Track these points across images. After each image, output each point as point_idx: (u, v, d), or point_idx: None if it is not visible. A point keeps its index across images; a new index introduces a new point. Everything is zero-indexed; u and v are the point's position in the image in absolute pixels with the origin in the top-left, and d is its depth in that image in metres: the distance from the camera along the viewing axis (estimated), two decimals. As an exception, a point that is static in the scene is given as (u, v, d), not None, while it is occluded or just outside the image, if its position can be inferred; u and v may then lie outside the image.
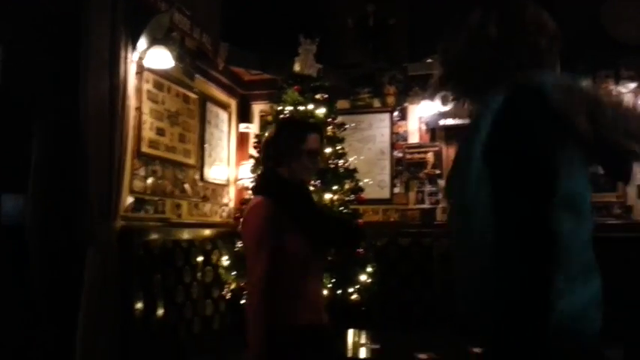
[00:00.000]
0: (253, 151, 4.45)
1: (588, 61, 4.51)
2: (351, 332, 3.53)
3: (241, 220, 2.09)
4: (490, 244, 1.22)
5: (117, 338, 3.09)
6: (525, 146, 1.20)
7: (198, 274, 3.96)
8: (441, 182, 4.97)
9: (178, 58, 4.03)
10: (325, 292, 3.77)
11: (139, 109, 3.68)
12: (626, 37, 4.50)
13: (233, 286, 3.93)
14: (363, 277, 4.00)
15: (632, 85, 4.60)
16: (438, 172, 4.99)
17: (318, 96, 4.33)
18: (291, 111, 4.23)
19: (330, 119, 4.33)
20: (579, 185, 1.27)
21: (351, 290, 3.91)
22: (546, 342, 1.15)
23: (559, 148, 1.21)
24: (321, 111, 4.28)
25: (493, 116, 1.23)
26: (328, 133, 4.24)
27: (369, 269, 4.06)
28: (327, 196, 4.04)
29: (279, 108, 4.28)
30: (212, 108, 4.88)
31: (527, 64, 1.34)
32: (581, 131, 1.20)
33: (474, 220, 1.26)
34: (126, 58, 3.32)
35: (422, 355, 2.83)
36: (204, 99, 4.71)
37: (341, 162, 4.25)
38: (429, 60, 5.03)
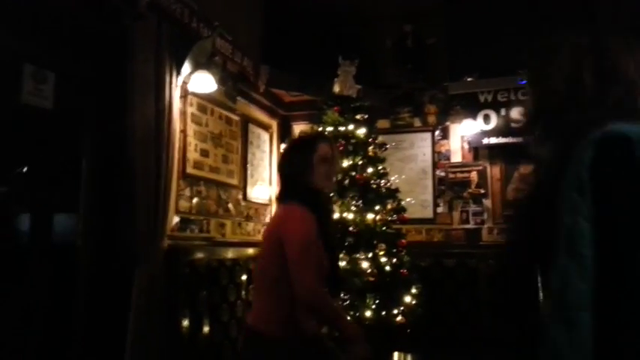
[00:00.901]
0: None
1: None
2: (396, 355, 3.44)
3: (276, 225, 2.05)
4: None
5: (164, 356, 3.11)
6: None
7: (243, 293, 3.97)
8: (486, 202, 4.87)
9: (221, 82, 4.11)
10: (369, 313, 3.71)
11: (183, 131, 3.75)
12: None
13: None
14: (407, 299, 3.92)
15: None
16: (482, 191, 4.89)
17: (358, 116, 4.34)
18: (331, 131, 4.24)
19: (370, 139, 4.32)
20: None
21: (395, 312, 3.83)
22: None
23: None
24: (361, 131, 4.27)
25: (588, 164, 1.10)
26: (369, 154, 4.22)
27: (414, 290, 3.99)
28: (370, 216, 4.00)
29: (320, 129, 4.29)
30: (254, 129, 4.95)
31: (612, 116, 1.21)
32: None
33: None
34: (170, 82, 3.40)
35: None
36: (246, 120, 4.78)
37: (383, 182, 4.22)
38: (469, 79, 5.00)
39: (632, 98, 1.25)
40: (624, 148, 1.09)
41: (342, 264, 3.81)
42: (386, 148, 4.40)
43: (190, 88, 3.73)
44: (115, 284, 3.13)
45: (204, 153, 4.02)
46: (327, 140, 2.21)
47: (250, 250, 4.36)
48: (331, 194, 2.67)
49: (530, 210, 1.26)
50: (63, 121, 3.28)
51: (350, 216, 3.96)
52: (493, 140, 4.87)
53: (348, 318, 2.00)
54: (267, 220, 5.06)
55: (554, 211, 1.10)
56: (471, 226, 4.90)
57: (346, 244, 3.89)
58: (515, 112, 4.82)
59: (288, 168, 2.14)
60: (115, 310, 3.07)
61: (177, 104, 3.53)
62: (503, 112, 4.86)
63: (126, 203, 3.13)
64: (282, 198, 2.14)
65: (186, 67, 3.64)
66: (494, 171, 4.94)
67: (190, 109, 3.87)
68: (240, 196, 4.56)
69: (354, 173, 4.12)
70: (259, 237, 4.81)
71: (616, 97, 1.24)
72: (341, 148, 4.15)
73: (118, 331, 3.01)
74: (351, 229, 3.91)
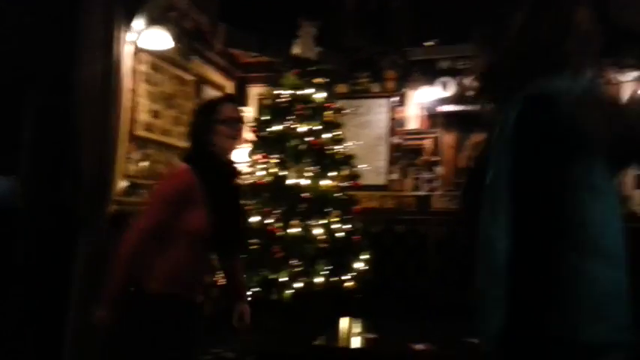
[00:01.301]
0: (250, 135, 4.39)
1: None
2: (346, 321, 3.51)
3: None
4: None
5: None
6: (534, 159, 1.24)
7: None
8: (438, 169, 4.94)
9: (175, 39, 3.94)
10: (321, 279, 3.76)
11: (133, 90, 3.60)
12: (630, 25, 4.43)
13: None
14: (358, 265, 3.98)
15: (636, 74, 4.55)
16: (435, 159, 4.95)
17: (317, 80, 4.27)
18: (289, 95, 4.17)
19: (328, 104, 4.27)
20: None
21: (346, 278, 3.89)
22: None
23: (570, 160, 1.24)
24: (320, 95, 4.22)
25: (512, 125, 1.25)
26: (327, 119, 4.19)
27: (364, 256, 4.05)
28: (324, 182, 4.00)
29: (277, 92, 4.21)
30: (208, 90, 4.80)
31: (548, 68, 1.30)
32: (597, 139, 1.22)
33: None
34: (120, 38, 3.24)
35: (418, 346, 2.82)
36: (201, 81, 4.63)
37: (338, 148, 4.20)
38: (430, 44, 4.98)
39: (583, 49, 1.31)
40: (541, 106, 1.24)
41: (295, 230, 3.82)
42: (344, 114, 4.37)
43: (142, 44, 3.56)
44: (58, 249, 3.04)
45: (155, 114, 3.88)
46: (232, 102, 2.24)
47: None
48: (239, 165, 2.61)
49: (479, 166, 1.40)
50: (3, 78, 3.09)
51: (305, 182, 3.94)
52: (449, 108, 4.90)
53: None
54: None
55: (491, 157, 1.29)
56: (422, 193, 4.97)
57: (299, 210, 3.89)
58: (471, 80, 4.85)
59: (192, 129, 2.16)
60: (57, 275, 2.99)
61: (127, 61, 3.37)
62: (460, 79, 4.88)
63: (70, 165, 3.01)
64: (182, 159, 2.19)
65: (139, 22, 3.46)
66: (448, 139, 4.99)
67: (142, 67, 3.71)
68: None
69: (310, 138, 4.09)
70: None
71: (568, 50, 1.30)
72: (299, 112, 4.10)
73: (60, 296, 2.94)
74: (305, 195, 3.90)
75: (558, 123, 1.22)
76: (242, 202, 2.38)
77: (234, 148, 2.19)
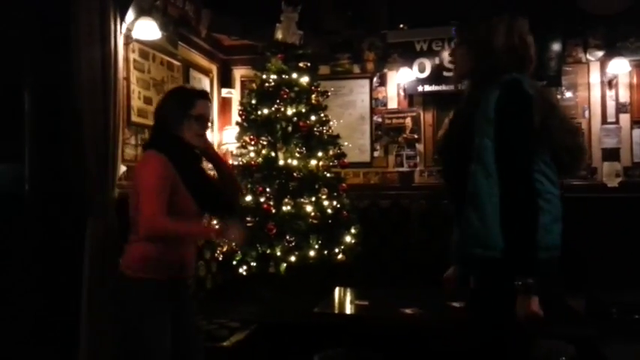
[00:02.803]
0: (237, 118, 4.55)
1: (558, 30, 4.77)
2: (337, 290, 3.75)
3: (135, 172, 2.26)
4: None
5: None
6: (524, 114, 1.78)
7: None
8: (419, 146, 5.19)
9: (162, 27, 4.06)
10: (312, 252, 3.99)
11: (127, 79, 3.73)
12: (594, 7, 4.70)
13: (225, 248, 4.11)
14: (347, 238, 4.23)
15: (599, 54, 4.83)
16: (415, 136, 5.18)
17: (301, 64, 4.44)
18: (275, 79, 4.34)
19: (313, 87, 4.45)
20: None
21: (336, 251, 4.13)
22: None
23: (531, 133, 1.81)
24: (304, 79, 4.39)
25: (495, 100, 1.79)
26: (312, 101, 4.37)
27: (353, 230, 4.29)
28: (313, 162, 4.21)
29: (264, 76, 4.37)
30: (195, 74, 4.93)
31: (516, 69, 1.89)
32: (534, 124, 1.78)
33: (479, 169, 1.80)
34: (115, 29, 3.35)
35: (407, 310, 3.08)
36: (187, 66, 4.75)
37: (324, 128, 4.40)
38: (406, 28, 5.17)
39: (532, 59, 1.95)
40: (518, 86, 1.79)
41: (287, 208, 4.03)
42: (328, 96, 4.56)
43: (134, 35, 3.68)
44: (66, 234, 3.18)
45: (148, 100, 4.01)
46: (207, 99, 2.31)
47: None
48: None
49: (454, 134, 1.96)
50: (3, 66, 3.19)
51: (294, 162, 4.15)
52: (427, 88, 5.12)
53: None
54: (210, 165, 5.14)
55: (471, 135, 1.80)
56: (404, 169, 5.21)
57: (290, 189, 4.10)
58: (448, 62, 5.07)
59: (162, 116, 2.24)
60: (68, 260, 3.14)
61: (121, 51, 3.49)
62: (437, 60, 5.10)
63: (75, 152, 3.15)
64: (146, 145, 2.30)
65: (130, 13, 3.57)
66: (427, 117, 5.23)
67: (133, 56, 3.83)
68: (184, 142, 4.60)
69: (297, 120, 4.28)
70: (203, 182, 4.92)
71: (529, 58, 1.93)
72: (285, 96, 4.27)
73: (72, 281, 3.09)
74: (295, 174, 4.11)
75: (527, 100, 1.78)
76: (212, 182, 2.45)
77: (199, 145, 2.27)
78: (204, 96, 2.32)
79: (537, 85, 1.94)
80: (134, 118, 3.82)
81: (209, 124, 2.31)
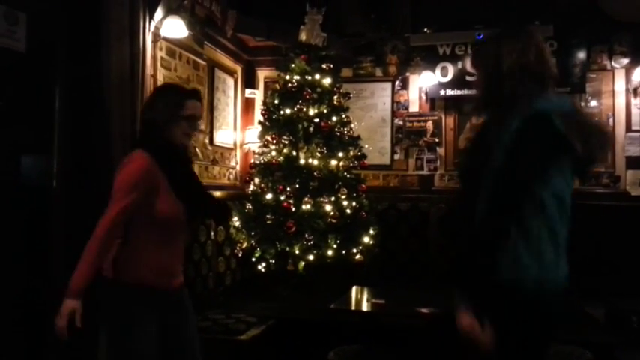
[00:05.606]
0: (260, 117, 4.62)
1: (583, 37, 4.75)
2: (354, 289, 3.78)
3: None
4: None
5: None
6: (533, 155, 1.62)
7: (212, 234, 4.19)
8: (440, 150, 5.20)
9: (189, 26, 4.15)
10: (331, 252, 4.03)
11: (154, 76, 3.82)
12: (620, 13, 4.66)
13: (244, 245, 4.17)
14: (365, 239, 4.26)
15: (625, 61, 4.79)
16: (436, 140, 5.20)
17: (324, 65, 4.49)
18: (298, 80, 4.39)
19: (335, 88, 4.50)
20: (563, 185, 1.69)
21: (354, 251, 4.17)
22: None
23: (554, 160, 1.64)
24: (327, 80, 4.44)
25: (512, 134, 1.63)
26: (334, 102, 4.42)
27: (371, 231, 4.32)
28: (333, 162, 4.25)
29: (287, 77, 4.43)
30: (220, 74, 5.02)
31: (535, 89, 1.70)
32: (578, 152, 1.63)
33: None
34: (144, 27, 3.45)
35: (423, 310, 3.09)
36: (213, 65, 4.84)
37: (345, 130, 4.44)
38: (428, 31, 5.20)
39: (552, 74, 1.78)
40: (545, 125, 1.61)
41: (307, 207, 4.08)
42: (349, 98, 4.60)
43: (162, 33, 3.77)
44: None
45: (174, 98, 4.10)
46: (198, 99, 2.23)
47: (217, 193, 4.55)
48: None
49: (475, 156, 1.80)
50: (36, 62, 3.29)
51: (315, 162, 4.20)
52: (449, 92, 5.13)
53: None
54: (232, 164, 5.23)
55: (489, 158, 1.65)
56: (424, 172, 5.23)
57: (310, 188, 4.15)
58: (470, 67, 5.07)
59: (151, 114, 2.16)
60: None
61: (149, 49, 3.58)
62: (459, 65, 5.10)
63: (103, 146, 3.23)
64: (134, 145, 2.22)
65: (159, 12, 3.67)
66: (448, 121, 5.24)
67: (160, 54, 3.92)
68: (207, 141, 4.69)
69: (318, 121, 4.33)
70: (225, 180, 5.01)
71: (548, 74, 1.74)
72: (307, 96, 4.33)
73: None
74: (315, 174, 4.16)
75: (549, 137, 1.61)
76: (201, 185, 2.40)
77: (187, 145, 2.22)
78: (195, 96, 2.24)
79: (567, 106, 1.71)
80: (160, 114, 3.90)
81: (199, 124, 2.26)
